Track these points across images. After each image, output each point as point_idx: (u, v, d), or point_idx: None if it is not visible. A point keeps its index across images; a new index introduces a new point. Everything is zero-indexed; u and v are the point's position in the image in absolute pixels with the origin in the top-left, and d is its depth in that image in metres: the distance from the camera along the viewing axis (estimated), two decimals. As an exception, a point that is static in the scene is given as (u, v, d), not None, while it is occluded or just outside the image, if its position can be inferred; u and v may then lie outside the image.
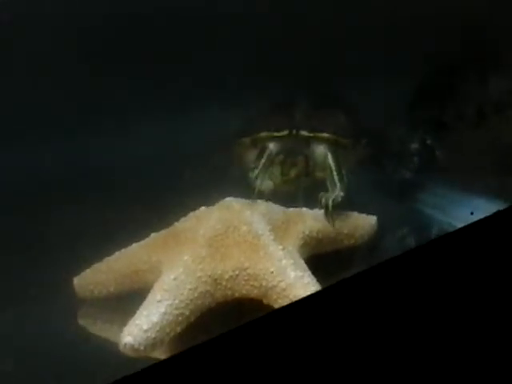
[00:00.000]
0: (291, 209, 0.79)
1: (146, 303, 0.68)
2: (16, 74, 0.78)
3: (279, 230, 0.75)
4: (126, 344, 0.64)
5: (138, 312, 0.67)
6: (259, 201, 0.78)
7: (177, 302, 0.68)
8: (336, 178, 0.82)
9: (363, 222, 0.82)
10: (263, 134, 0.86)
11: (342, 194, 0.80)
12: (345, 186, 0.82)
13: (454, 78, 1.06)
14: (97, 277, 0.77)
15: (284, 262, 0.71)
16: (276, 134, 0.86)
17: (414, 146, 1.00)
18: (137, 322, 0.66)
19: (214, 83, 0.92)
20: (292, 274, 0.70)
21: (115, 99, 0.84)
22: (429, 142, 1.01)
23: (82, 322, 0.76)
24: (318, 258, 0.77)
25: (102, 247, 0.77)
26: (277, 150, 0.84)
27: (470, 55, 1.04)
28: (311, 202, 0.80)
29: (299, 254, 0.75)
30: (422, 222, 0.93)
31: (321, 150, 0.86)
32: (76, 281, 0.77)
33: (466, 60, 1.05)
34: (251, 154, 0.85)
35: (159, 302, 0.67)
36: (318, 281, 0.71)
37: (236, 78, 0.91)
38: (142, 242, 0.77)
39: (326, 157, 0.85)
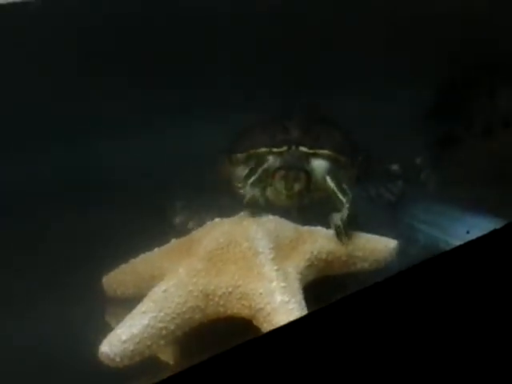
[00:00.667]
0: (305, 227, 0.76)
1: (133, 313, 0.69)
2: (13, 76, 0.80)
3: (285, 249, 0.73)
4: (102, 353, 0.66)
5: (124, 321, 0.68)
6: (271, 216, 0.76)
7: (162, 314, 0.68)
8: (340, 195, 0.78)
9: (380, 246, 0.76)
10: (261, 150, 0.82)
11: (347, 206, 0.75)
12: (349, 199, 0.78)
13: (459, 92, 1.01)
14: (120, 277, 0.79)
15: (274, 284, 0.68)
16: (275, 149, 0.82)
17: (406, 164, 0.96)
18: (118, 331, 0.67)
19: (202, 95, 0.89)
20: (278, 299, 0.67)
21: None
22: (418, 161, 0.96)
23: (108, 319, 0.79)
24: (325, 281, 0.72)
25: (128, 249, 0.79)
26: (277, 165, 0.81)
27: (477, 68, 0.99)
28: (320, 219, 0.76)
29: (302, 275, 0.71)
30: (418, 240, 0.88)
31: (320, 167, 0.82)
32: (104, 279, 0.80)
33: (472, 73, 0.99)
34: (240, 171, 0.82)
35: (144, 313, 0.68)
36: (312, 305, 0.67)
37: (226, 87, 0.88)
38: (162, 248, 0.78)
39: (324, 177, 0.82)
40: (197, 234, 0.76)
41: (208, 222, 0.77)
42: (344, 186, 0.80)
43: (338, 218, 0.75)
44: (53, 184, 0.84)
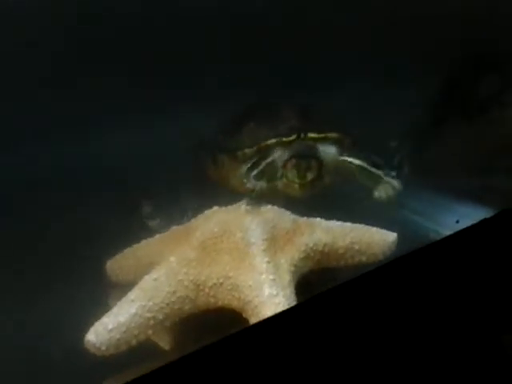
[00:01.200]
0: (304, 218, 0.73)
1: (122, 301, 0.68)
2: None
3: (280, 240, 0.70)
4: (88, 341, 0.65)
5: (112, 309, 0.67)
6: (269, 206, 0.73)
7: (151, 304, 0.67)
8: (373, 170, 0.75)
9: (379, 239, 0.73)
10: (271, 142, 0.79)
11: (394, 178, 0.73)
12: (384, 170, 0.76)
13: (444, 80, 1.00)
14: (122, 263, 0.78)
15: (263, 276, 0.66)
16: (285, 139, 0.78)
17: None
18: (104, 319, 0.66)
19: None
20: (266, 292, 0.65)
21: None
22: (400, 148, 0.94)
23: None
24: (321, 274, 0.69)
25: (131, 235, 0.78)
26: (286, 155, 0.78)
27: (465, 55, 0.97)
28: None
29: (296, 267, 0.69)
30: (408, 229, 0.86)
31: (329, 150, 0.79)
32: (108, 264, 0.79)
33: (458, 61, 0.98)
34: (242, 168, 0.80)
35: (132, 301, 0.67)
36: (305, 298, 0.65)
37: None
38: (163, 234, 0.77)
39: (337, 159, 0.79)
40: (195, 222, 0.75)
41: (206, 211, 0.75)
42: (374, 158, 0.78)
43: (384, 193, 0.73)
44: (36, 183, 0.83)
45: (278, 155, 0.79)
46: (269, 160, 0.79)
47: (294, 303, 0.65)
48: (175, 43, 0.86)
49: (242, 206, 0.73)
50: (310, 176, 0.78)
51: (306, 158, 0.79)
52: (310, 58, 0.93)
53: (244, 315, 0.67)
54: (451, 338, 0.65)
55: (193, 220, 0.76)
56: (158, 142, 0.91)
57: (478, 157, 0.94)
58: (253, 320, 0.65)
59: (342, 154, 0.82)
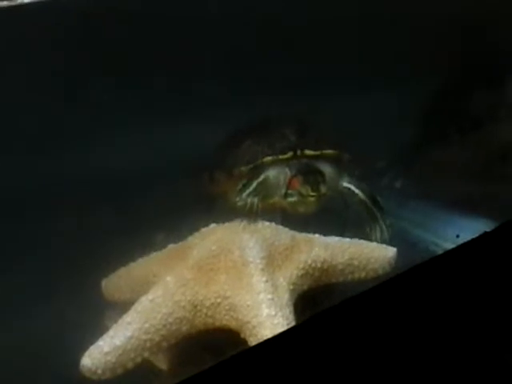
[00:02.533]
0: (302, 234, 0.72)
1: (118, 323, 0.67)
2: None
3: (279, 257, 0.69)
4: (83, 366, 0.64)
5: (108, 331, 0.66)
6: (267, 223, 0.72)
7: (147, 325, 0.66)
8: (373, 208, 0.76)
9: (379, 254, 0.72)
10: (267, 159, 0.78)
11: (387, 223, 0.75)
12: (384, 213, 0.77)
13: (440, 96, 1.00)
14: (118, 282, 0.77)
15: (262, 296, 0.65)
16: (281, 156, 0.78)
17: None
18: (100, 343, 0.65)
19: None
20: (265, 312, 0.64)
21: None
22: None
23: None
24: (321, 291, 0.68)
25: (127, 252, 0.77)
26: (288, 173, 0.78)
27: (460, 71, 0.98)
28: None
29: (295, 285, 0.68)
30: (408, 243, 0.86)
31: (326, 168, 0.79)
32: (104, 283, 0.78)
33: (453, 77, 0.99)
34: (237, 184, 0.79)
35: (129, 324, 0.66)
36: (306, 315, 0.64)
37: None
38: (159, 253, 0.76)
39: (335, 178, 0.78)
40: (192, 240, 0.74)
41: (203, 229, 0.73)
42: (377, 198, 0.77)
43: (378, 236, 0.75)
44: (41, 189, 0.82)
45: (275, 173, 0.78)
46: (263, 178, 0.78)
47: (293, 323, 0.64)
48: (174, 53, 0.85)
49: (240, 223, 0.72)
50: (323, 189, 0.77)
51: (310, 173, 0.78)
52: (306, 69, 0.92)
53: (242, 335, 0.66)
54: (454, 355, 0.64)
55: (189, 238, 0.74)
56: (157, 154, 0.89)
57: (476, 166, 0.93)
58: (251, 340, 0.64)
59: (339, 172, 0.81)
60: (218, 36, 0.86)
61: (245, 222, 0.72)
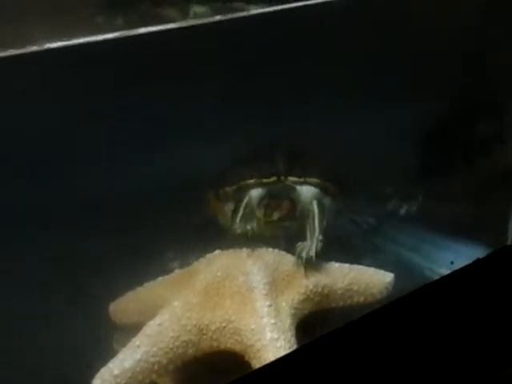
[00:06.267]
0: (305, 260, 0.75)
1: (127, 346, 0.69)
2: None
3: (281, 283, 0.73)
4: (94, 388, 0.67)
5: (117, 354, 0.69)
6: (271, 249, 0.75)
7: (155, 349, 0.69)
8: (317, 228, 0.78)
9: (377, 279, 0.75)
10: (250, 181, 0.81)
11: (319, 245, 0.76)
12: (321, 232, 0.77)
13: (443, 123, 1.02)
14: (125, 305, 0.80)
15: (265, 320, 0.68)
16: (265, 180, 0.81)
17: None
18: (110, 365, 0.68)
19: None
20: (268, 336, 0.67)
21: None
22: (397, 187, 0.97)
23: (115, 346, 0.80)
24: (322, 315, 0.71)
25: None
26: (261, 195, 0.80)
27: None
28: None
29: (296, 309, 0.71)
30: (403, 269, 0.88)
31: (308, 195, 0.81)
32: (111, 307, 0.81)
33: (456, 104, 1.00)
34: (230, 207, 0.81)
35: (137, 347, 0.69)
36: (307, 339, 0.67)
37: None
38: (166, 277, 0.79)
39: (311, 203, 0.80)
40: (198, 265, 0.77)
41: (208, 254, 0.76)
42: (324, 222, 0.79)
43: (303, 251, 0.75)
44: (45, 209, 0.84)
45: (255, 195, 0.81)
46: (246, 201, 0.81)
47: (294, 346, 0.66)
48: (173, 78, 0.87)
49: (244, 250, 0.75)
50: (276, 215, 0.79)
51: (278, 198, 0.81)
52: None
53: (246, 358, 0.68)
54: (452, 379, 0.66)
55: (195, 263, 0.77)
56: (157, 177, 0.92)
57: (470, 191, 0.96)
58: (255, 363, 0.67)
59: (317, 199, 0.83)
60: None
61: (249, 249, 0.74)
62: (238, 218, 0.78)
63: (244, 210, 0.79)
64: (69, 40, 0.74)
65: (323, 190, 0.83)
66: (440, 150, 1.02)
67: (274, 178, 0.82)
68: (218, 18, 0.83)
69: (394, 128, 0.99)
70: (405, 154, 1.02)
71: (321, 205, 0.80)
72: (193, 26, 0.81)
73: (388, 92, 1.01)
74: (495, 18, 1.07)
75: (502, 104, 1.02)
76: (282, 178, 0.82)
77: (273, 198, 0.80)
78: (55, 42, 0.74)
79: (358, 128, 0.97)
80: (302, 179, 0.82)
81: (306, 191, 0.82)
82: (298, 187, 0.82)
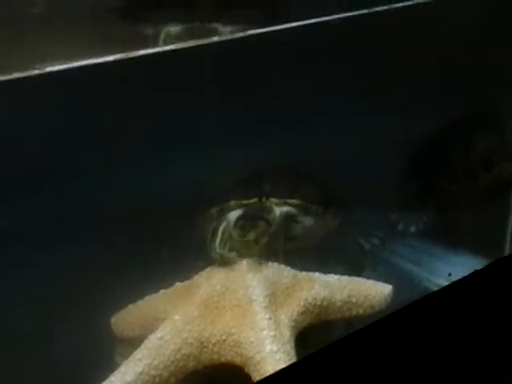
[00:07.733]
0: (303, 273, 0.76)
1: (128, 359, 0.70)
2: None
3: (281, 296, 0.73)
4: (96, 401, 0.67)
5: (119, 368, 0.70)
6: (270, 263, 0.76)
7: (156, 362, 0.69)
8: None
9: (376, 291, 0.76)
10: (232, 203, 0.82)
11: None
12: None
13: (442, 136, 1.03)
14: (127, 319, 0.80)
15: (265, 332, 0.69)
16: (245, 201, 0.82)
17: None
18: (112, 378, 0.69)
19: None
20: (268, 348, 0.68)
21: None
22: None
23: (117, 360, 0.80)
24: (321, 327, 0.72)
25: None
26: (238, 216, 0.81)
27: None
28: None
29: (296, 322, 0.72)
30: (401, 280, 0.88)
31: (289, 216, 0.83)
32: (113, 320, 0.82)
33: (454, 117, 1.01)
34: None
35: (139, 360, 0.69)
36: (305, 351, 0.67)
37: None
38: (167, 291, 0.79)
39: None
40: (198, 279, 0.78)
41: (208, 268, 0.77)
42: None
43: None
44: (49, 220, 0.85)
45: (233, 217, 0.82)
46: (224, 224, 0.82)
47: (294, 359, 0.67)
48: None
49: (244, 263, 0.76)
50: (251, 236, 0.80)
51: (253, 218, 0.81)
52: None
53: (246, 371, 0.69)
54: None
55: (195, 277, 0.78)
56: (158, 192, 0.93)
57: (469, 204, 0.97)
58: (255, 375, 0.68)
59: (299, 220, 0.85)
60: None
61: (249, 263, 0.75)
62: (217, 241, 0.79)
63: (222, 234, 0.80)
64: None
65: (304, 210, 0.83)
66: (438, 163, 1.02)
67: (254, 200, 0.83)
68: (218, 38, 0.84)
69: (391, 142, 1.00)
70: (403, 167, 1.03)
71: (288, 222, 0.83)
72: (191, 47, 0.82)
73: (384, 107, 1.01)
74: (496, 29, 1.08)
75: (499, 116, 1.03)
76: (264, 199, 0.83)
77: (248, 219, 0.80)
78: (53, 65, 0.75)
79: (355, 143, 0.98)
80: (282, 201, 0.83)
81: (284, 212, 0.83)
82: (277, 208, 0.83)
